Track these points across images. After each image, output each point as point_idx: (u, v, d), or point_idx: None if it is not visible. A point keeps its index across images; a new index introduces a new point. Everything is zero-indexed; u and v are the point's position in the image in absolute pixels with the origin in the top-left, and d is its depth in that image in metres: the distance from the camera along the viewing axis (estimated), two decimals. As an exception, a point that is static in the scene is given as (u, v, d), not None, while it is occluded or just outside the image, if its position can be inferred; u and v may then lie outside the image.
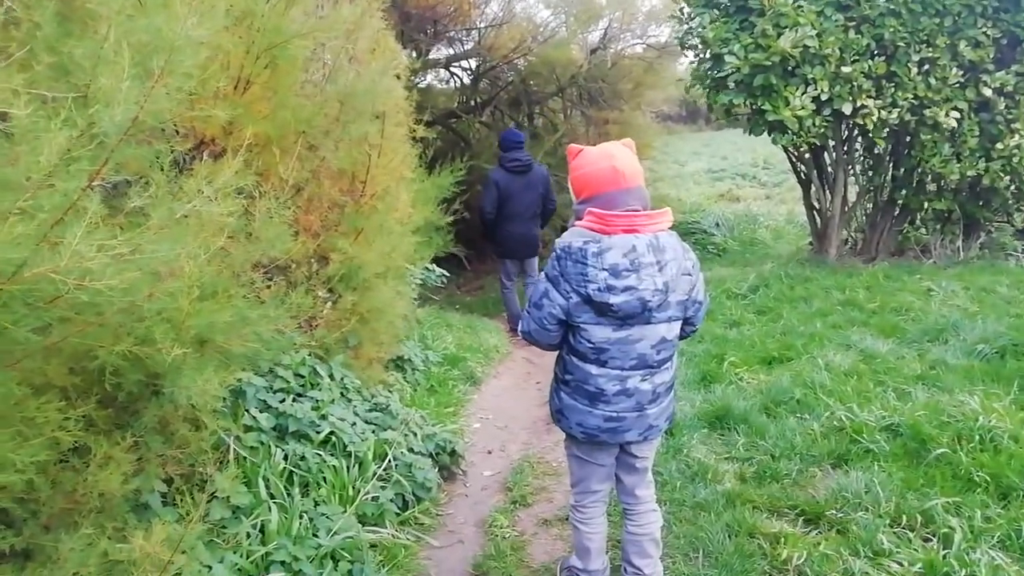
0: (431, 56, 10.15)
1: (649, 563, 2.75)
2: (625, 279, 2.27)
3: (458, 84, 11.26)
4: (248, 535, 2.66)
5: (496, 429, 4.75)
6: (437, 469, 3.80)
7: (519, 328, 2.61)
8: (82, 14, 1.93)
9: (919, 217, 8.32)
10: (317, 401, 3.49)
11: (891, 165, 8.05)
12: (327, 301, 3.86)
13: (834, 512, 3.22)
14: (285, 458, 3.11)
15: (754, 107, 7.10)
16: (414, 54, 9.33)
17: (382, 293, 4.17)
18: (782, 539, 3.06)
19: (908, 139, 7.63)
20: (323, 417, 3.42)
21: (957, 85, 7.06)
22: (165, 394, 2.21)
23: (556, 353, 2.62)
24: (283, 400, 3.33)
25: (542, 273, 2.44)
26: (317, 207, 3.74)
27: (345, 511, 3.02)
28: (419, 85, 9.56)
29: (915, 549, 2.90)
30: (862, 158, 8.30)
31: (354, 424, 3.56)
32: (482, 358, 6.01)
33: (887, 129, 7.21)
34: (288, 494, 2.96)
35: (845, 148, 8.00)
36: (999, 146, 7.12)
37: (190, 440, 2.52)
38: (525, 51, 10.03)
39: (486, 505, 3.70)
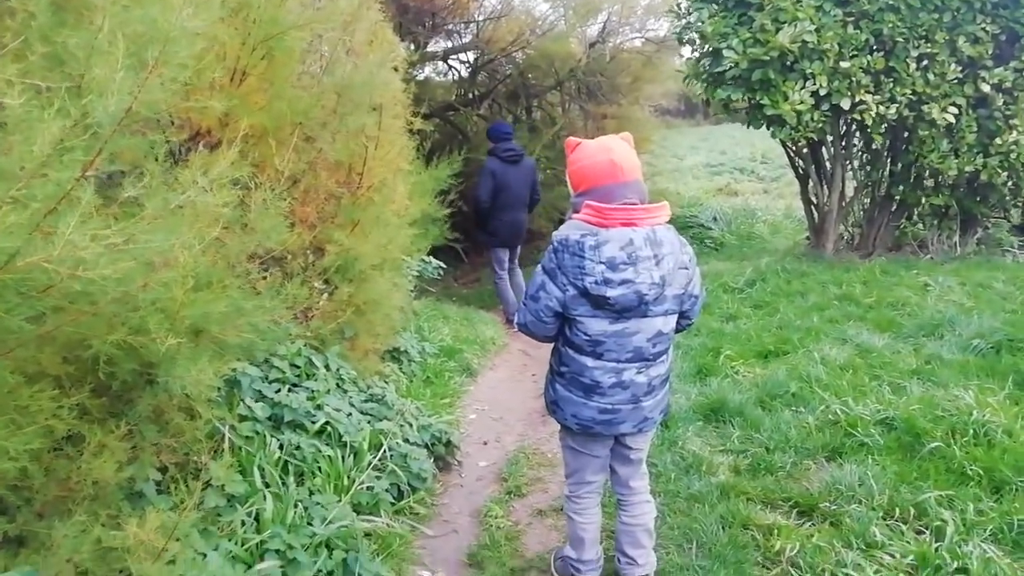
0: (429, 49, 10.12)
1: (643, 553, 2.77)
2: (622, 272, 2.27)
3: (456, 77, 11.24)
4: (243, 523, 2.67)
5: (492, 420, 4.76)
6: (432, 459, 3.81)
7: (515, 320, 2.61)
8: (77, 4, 1.93)
9: (916, 212, 8.33)
10: (313, 391, 3.49)
11: (889, 160, 8.06)
12: (323, 292, 3.87)
13: (827, 504, 3.24)
14: (280, 447, 3.12)
15: (752, 102, 7.10)
16: (412, 46, 9.30)
17: (378, 285, 4.17)
18: (775, 531, 3.08)
19: (906, 134, 7.62)
20: (319, 407, 3.43)
21: (955, 81, 7.06)
22: (159, 383, 2.21)
23: (552, 345, 2.63)
24: (279, 390, 3.33)
25: (539, 265, 2.44)
26: (313, 198, 3.74)
27: (340, 500, 3.03)
28: (417, 77, 9.53)
29: (907, 541, 2.92)
30: (860, 153, 8.29)
31: (350, 414, 3.56)
32: (478, 350, 6.02)
33: (885, 124, 7.21)
34: (283, 483, 2.97)
35: (843, 143, 8.00)
36: (997, 142, 7.12)
37: (185, 429, 2.52)
38: (523, 44, 10.00)
39: (481, 495, 3.71)
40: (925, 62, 7.06)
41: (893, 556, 2.84)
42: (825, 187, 8.18)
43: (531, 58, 10.27)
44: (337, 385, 3.74)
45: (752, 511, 3.25)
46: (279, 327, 2.91)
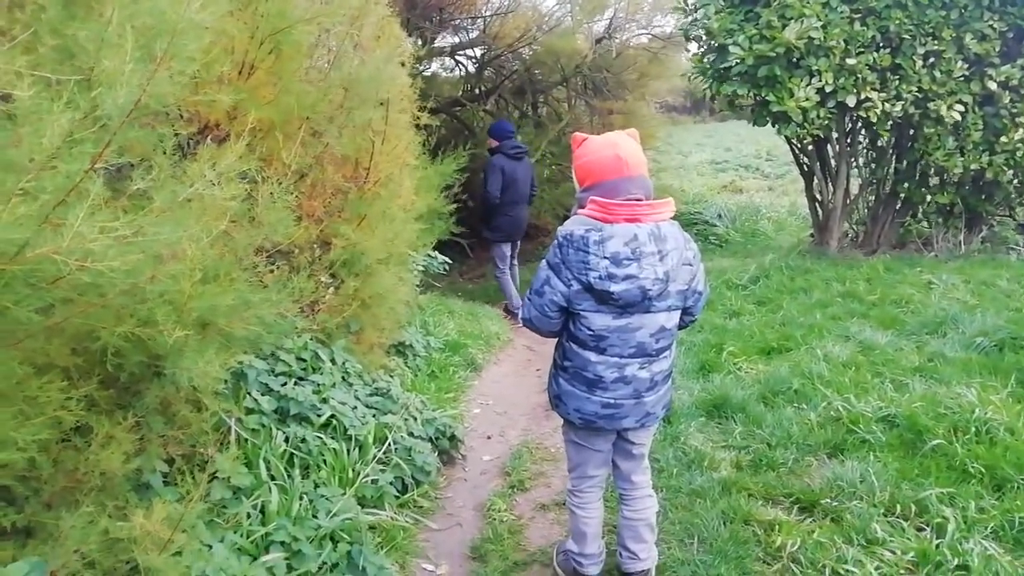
0: (436, 44, 10.12)
1: (644, 548, 2.78)
2: (626, 268, 2.28)
3: (463, 72, 11.25)
4: (248, 515, 2.69)
5: (496, 415, 4.77)
6: (436, 453, 3.83)
7: (520, 315, 2.62)
8: (86, -3, 1.95)
9: (921, 210, 8.30)
10: (318, 385, 3.51)
11: (894, 158, 8.03)
12: (329, 286, 3.88)
13: (829, 501, 3.25)
14: (286, 440, 3.14)
15: (758, 98, 7.09)
16: (419, 42, 9.28)
17: (384, 279, 4.18)
18: (777, 527, 3.09)
19: (912, 132, 7.60)
20: (324, 401, 3.45)
21: (962, 78, 7.03)
22: (167, 375, 2.23)
23: (556, 340, 2.64)
24: (285, 383, 3.35)
25: (543, 261, 2.45)
26: (320, 193, 3.76)
27: (345, 493, 3.05)
28: (424, 73, 9.55)
29: (908, 538, 2.93)
30: (865, 150, 8.27)
31: (355, 408, 3.58)
32: (483, 345, 6.04)
33: (891, 122, 7.18)
34: (288, 476, 2.99)
35: (848, 140, 7.97)
36: (1003, 140, 7.09)
37: (191, 421, 2.54)
38: (530, 40, 10.01)
39: (484, 489, 3.73)
40: (932, 59, 7.03)
41: (894, 553, 2.85)
42: (830, 184, 8.17)
43: (537, 54, 10.27)
44: (343, 379, 3.76)
45: (753, 507, 3.26)
46: (285, 320, 2.93)
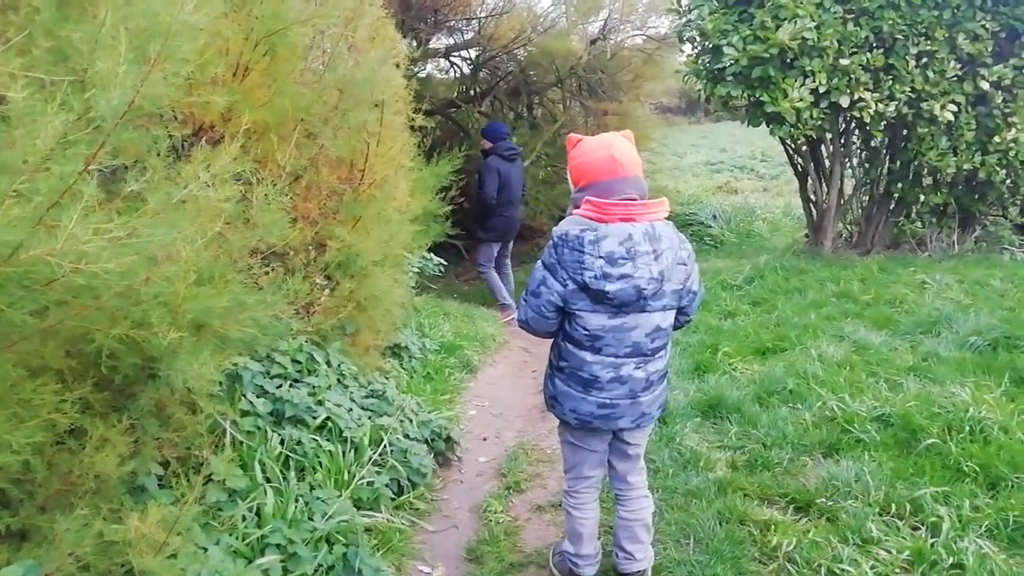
0: (431, 45, 10.11)
1: (640, 548, 2.78)
2: (621, 267, 2.29)
3: (458, 74, 11.22)
4: (244, 518, 2.68)
5: (491, 416, 4.77)
6: (432, 455, 3.83)
7: (516, 317, 2.63)
8: (80, -1, 1.94)
9: (915, 210, 8.32)
10: (314, 387, 3.51)
11: (888, 158, 8.06)
12: (325, 288, 3.88)
13: (824, 500, 3.26)
14: (281, 443, 3.13)
15: (752, 99, 7.11)
16: (414, 43, 9.29)
17: (379, 281, 4.18)
18: (772, 526, 3.09)
19: (905, 132, 7.62)
20: (319, 403, 3.44)
21: (955, 78, 7.06)
22: (161, 377, 2.22)
23: (551, 340, 2.65)
24: (280, 385, 3.35)
25: (539, 261, 2.45)
26: (315, 195, 3.75)
27: (340, 495, 3.04)
28: (419, 74, 9.53)
29: (903, 537, 2.94)
30: (859, 151, 8.30)
31: (350, 410, 3.58)
32: (479, 346, 6.03)
33: (884, 122, 7.21)
34: (284, 478, 2.98)
35: (842, 141, 8.00)
36: (996, 140, 7.13)
37: (186, 423, 2.53)
38: (525, 41, 9.99)
39: (480, 491, 3.73)
40: (925, 59, 7.07)
41: (889, 552, 2.86)
42: (824, 185, 8.19)
43: (532, 55, 10.26)
44: (338, 381, 3.76)
45: (749, 507, 3.27)
46: (280, 322, 2.93)
